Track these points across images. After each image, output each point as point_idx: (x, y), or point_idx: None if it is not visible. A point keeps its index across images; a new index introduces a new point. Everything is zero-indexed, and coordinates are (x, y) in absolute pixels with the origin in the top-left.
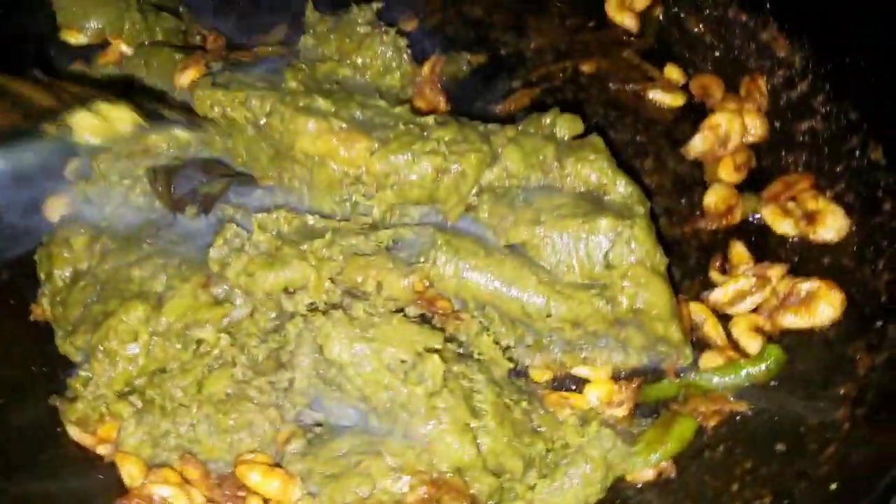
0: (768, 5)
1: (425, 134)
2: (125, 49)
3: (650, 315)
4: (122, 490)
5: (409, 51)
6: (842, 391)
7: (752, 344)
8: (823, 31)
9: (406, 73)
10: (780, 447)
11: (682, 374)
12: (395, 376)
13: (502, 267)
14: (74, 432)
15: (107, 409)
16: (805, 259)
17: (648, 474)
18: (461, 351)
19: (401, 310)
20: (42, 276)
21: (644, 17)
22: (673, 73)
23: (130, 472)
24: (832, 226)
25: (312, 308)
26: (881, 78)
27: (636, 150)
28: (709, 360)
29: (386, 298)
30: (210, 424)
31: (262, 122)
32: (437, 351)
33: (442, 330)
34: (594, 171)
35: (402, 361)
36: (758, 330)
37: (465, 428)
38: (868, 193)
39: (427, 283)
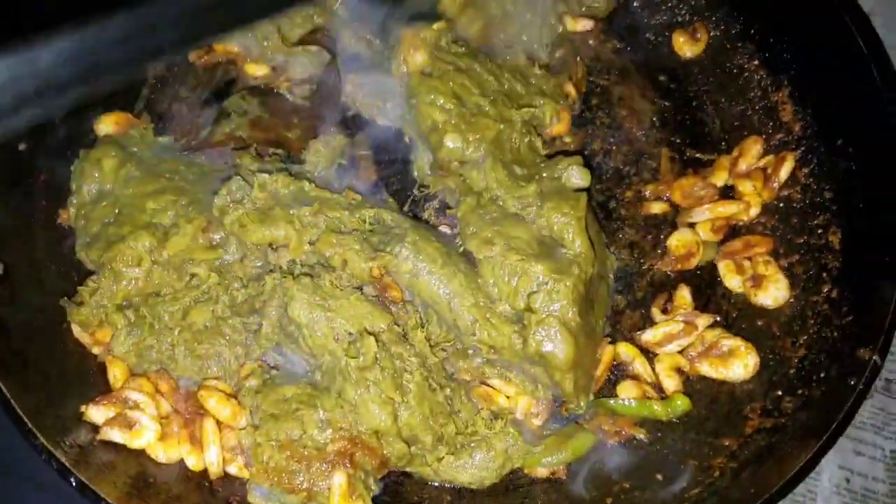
0: (789, 70)
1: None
2: None
3: (551, 363)
4: (106, 389)
5: None
6: (726, 442)
7: (670, 383)
8: (828, 108)
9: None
10: (658, 476)
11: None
12: (339, 345)
13: (451, 281)
14: (76, 330)
15: (105, 318)
16: (740, 316)
17: (542, 472)
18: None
19: (360, 287)
20: (73, 186)
21: None
22: None
23: (115, 374)
24: (773, 293)
25: (291, 265)
26: (861, 167)
27: (620, 181)
28: (625, 389)
29: (349, 275)
30: (187, 348)
31: None
32: (381, 331)
33: (391, 313)
34: (561, 222)
35: (349, 334)
36: (677, 370)
37: (387, 401)
38: (815, 272)
39: (384, 271)
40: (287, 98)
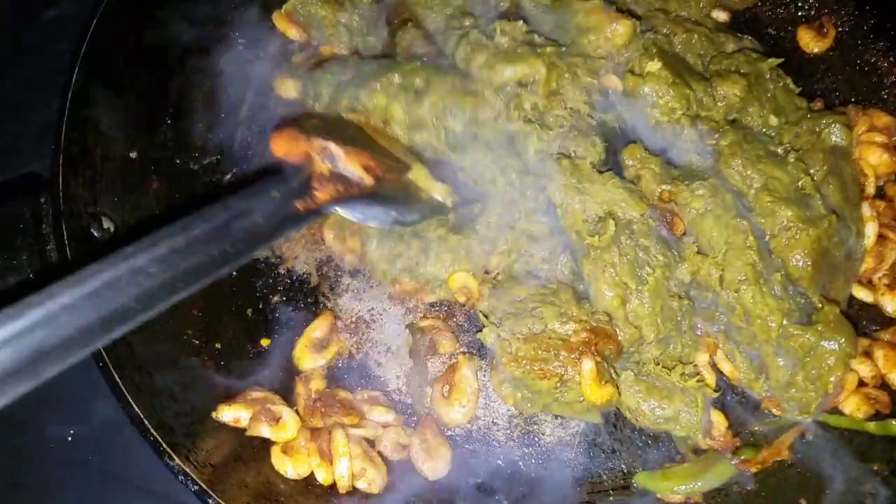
0: None
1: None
2: None
3: (825, 358)
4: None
5: None
6: (876, 467)
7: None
8: None
9: None
10: (802, 501)
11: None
12: (586, 226)
13: (737, 233)
14: (328, 237)
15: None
16: None
17: (676, 498)
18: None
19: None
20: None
21: None
22: None
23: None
24: None
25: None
26: None
27: None
28: (852, 404)
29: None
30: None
31: None
32: (633, 220)
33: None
34: (820, 176)
35: (599, 217)
36: None
37: (619, 283)
38: None
39: (673, 199)
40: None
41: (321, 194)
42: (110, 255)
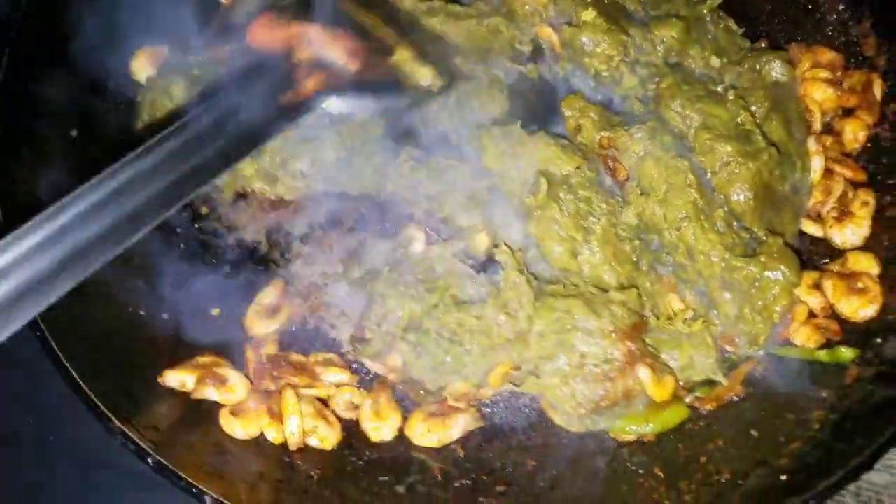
0: (870, 1)
1: None
2: None
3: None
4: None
5: None
6: (824, 394)
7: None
8: None
9: None
10: (753, 432)
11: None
12: (523, 189)
13: (677, 174)
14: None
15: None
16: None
17: (629, 437)
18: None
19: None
20: (143, 117)
21: None
22: None
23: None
24: (848, 235)
25: None
26: None
27: None
28: (801, 335)
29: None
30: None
31: None
32: (568, 174)
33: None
34: (762, 112)
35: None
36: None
37: (566, 238)
38: None
39: (613, 145)
40: None
41: (307, 83)
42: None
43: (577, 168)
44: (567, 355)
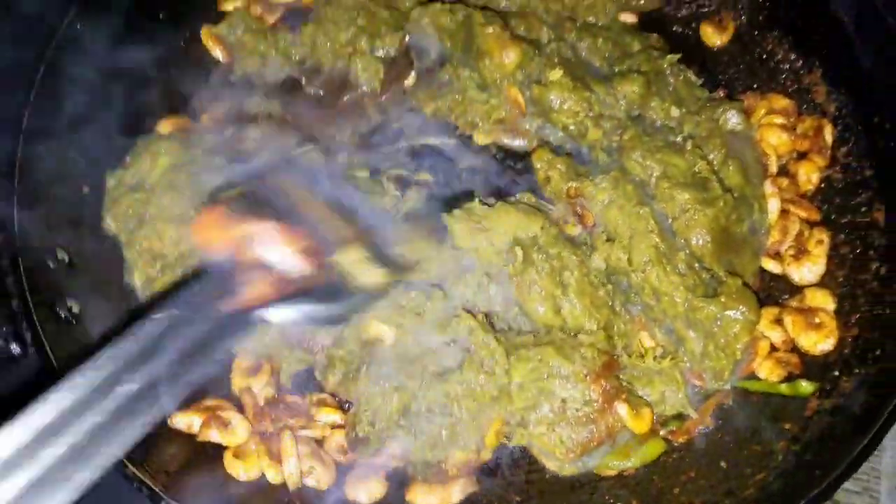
0: (821, 51)
1: None
2: None
3: (730, 330)
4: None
5: None
6: (787, 426)
7: (804, 339)
8: (862, 86)
9: None
10: (722, 464)
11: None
12: (499, 258)
13: (640, 220)
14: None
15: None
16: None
17: (611, 472)
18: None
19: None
20: (128, 159)
21: None
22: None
23: None
24: (806, 272)
25: None
26: None
27: None
28: (766, 369)
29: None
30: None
31: None
32: (536, 235)
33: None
34: (719, 159)
35: (508, 246)
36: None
37: (548, 296)
38: (862, 250)
39: (580, 194)
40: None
41: (250, 293)
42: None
43: (542, 228)
44: (549, 402)
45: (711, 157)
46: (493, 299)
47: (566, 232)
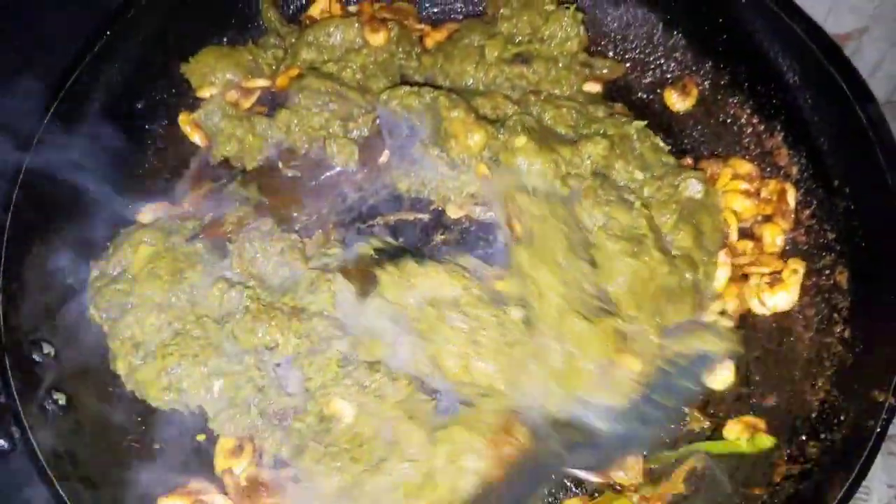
0: (780, 115)
1: None
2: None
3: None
4: None
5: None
6: (757, 491)
7: None
8: (821, 150)
9: (582, 42)
10: None
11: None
12: (419, 313)
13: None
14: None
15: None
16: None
17: None
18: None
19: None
20: (109, 250)
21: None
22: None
23: None
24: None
25: None
26: (860, 206)
27: None
28: (731, 431)
29: None
30: None
31: None
32: (459, 296)
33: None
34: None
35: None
36: None
37: (461, 354)
38: (826, 314)
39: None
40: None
41: None
42: None
43: (465, 289)
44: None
45: (665, 219)
46: (418, 361)
47: (495, 288)
